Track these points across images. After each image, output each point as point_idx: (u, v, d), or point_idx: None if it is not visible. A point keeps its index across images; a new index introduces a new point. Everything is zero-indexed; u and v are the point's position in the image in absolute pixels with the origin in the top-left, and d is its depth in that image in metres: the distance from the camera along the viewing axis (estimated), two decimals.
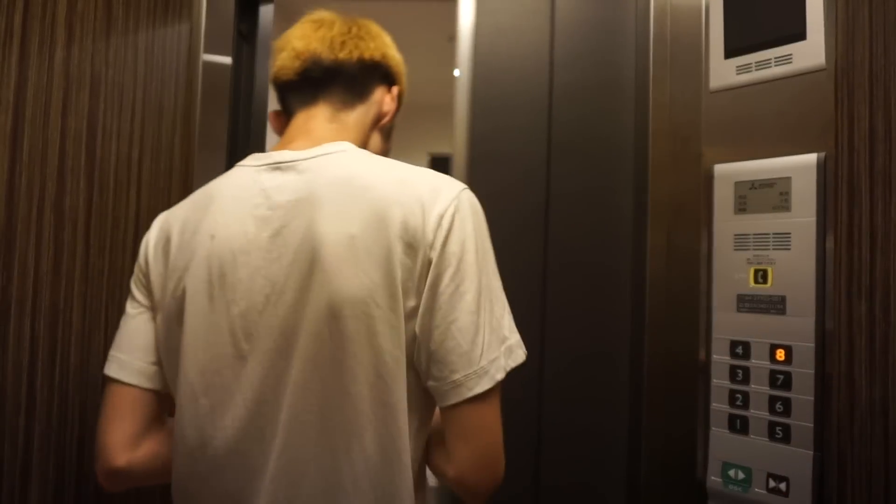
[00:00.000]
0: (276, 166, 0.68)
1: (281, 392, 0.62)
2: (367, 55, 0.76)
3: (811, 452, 0.84)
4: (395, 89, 0.80)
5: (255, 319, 0.63)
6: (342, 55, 0.74)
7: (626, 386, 1.10)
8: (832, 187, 0.85)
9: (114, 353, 0.72)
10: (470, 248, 0.63)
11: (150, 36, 1.02)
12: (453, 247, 0.62)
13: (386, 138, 0.84)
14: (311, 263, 0.61)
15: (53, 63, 0.82)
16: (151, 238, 0.73)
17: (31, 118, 0.79)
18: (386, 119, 0.80)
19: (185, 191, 1.14)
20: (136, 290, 0.74)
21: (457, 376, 0.61)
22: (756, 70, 0.95)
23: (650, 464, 1.03)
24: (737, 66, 0.97)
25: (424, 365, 0.63)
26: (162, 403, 0.73)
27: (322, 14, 0.78)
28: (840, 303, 0.83)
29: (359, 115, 0.76)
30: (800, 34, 0.90)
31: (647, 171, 1.07)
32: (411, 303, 0.62)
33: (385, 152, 0.82)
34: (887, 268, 0.79)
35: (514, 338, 0.66)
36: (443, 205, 0.63)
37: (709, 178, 0.98)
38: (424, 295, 0.62)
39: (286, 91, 0.77)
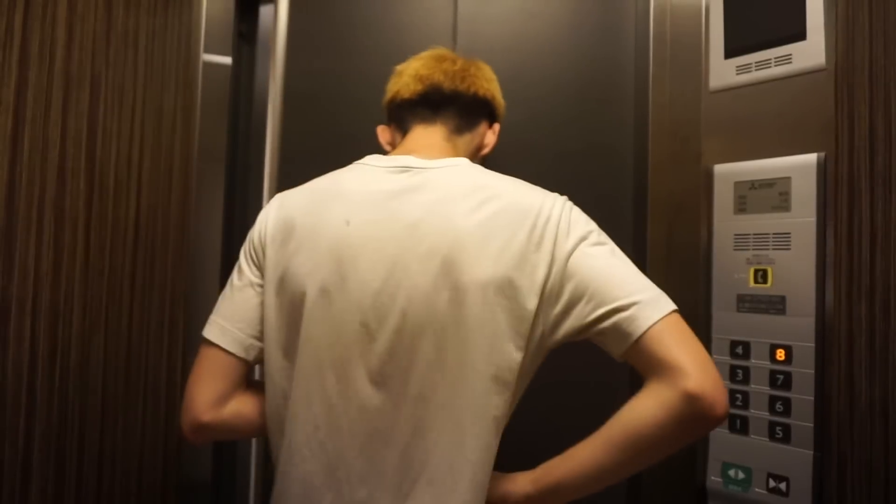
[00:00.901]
0: (405, 169, 0.74)
1: (409, 369, 0.68)
2: (480, 92, 0.86)
3: (811, 452, 0.84)
4: (496, 126, 0.91)
5: (385, 302, 0.69)
6: (461, 87, 0.84)
7: (627, 386, 1.10)
8: (832, 187, 0.85)
9: (216, 318, 0.77)
10: (588, 233, 0.70)
11: (150, 36, 1.02)
12: (574, 235, 0.69)
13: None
14: (446, 256, 0.67)
15: (54, 63, 0.82)
16: (270, 218, 0.77)
17: (31, 119, 0.79)
18: (485, 150, 0.90)
19: (186, 191, 1.14)
20: (246, 264, 0.78)
21: (637, 297, 0.65)
22: (756, 70, 0.95)
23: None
24: (737, 66, 0.97)
25: (592, 317, 0.66)
26: (249, 371, 0.79)
27: (444, 51, 0.89)
28: (840, 303, 0.83)
29: (466, 142, 0.86)
30: (800, 34, 0.90)
31: (646, 170, 1.07)
32: (542, 293, 0.68)
33: None
34: (887, 268, 0.79)
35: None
36: (558, 209, 0.70)
37: (708, 178, 0.98)
38: (560, 275, 0.67)
39: (404, 109, 0.85)
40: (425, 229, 0.69)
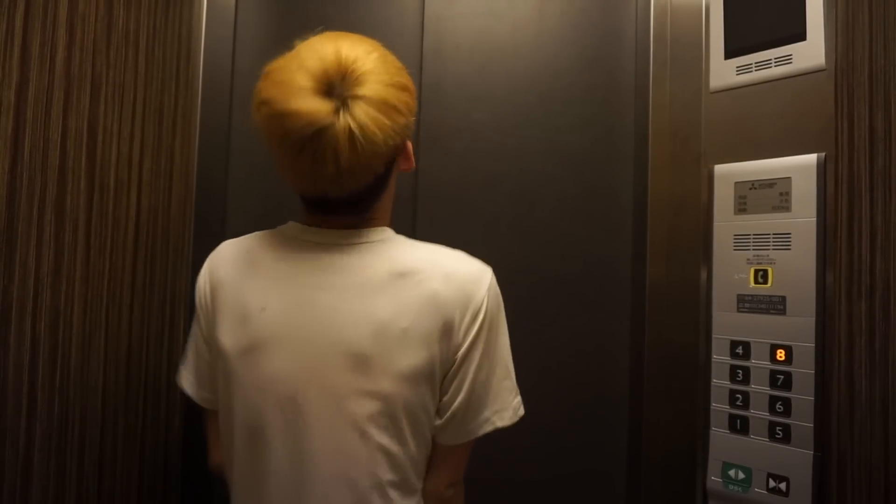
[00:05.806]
0: (320, 244, 0.72)
1: (312, 454, 0.69)
2: (378, 165, 0.67)
3: (811, 452, 0.84)
4: (408, 146, 0.74)
5: (296, 387, 0.69)
6: (345, 190, 0.68)
7: (627, 387, 1.11)
8: (832, 187, 0.85)
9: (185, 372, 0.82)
10: (486, 332, 0.72)
11: (150, 36, 1.02)
12: (473, 333, 0.71)
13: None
14: (359, 350, 0.68)
15: (54, 64, 0.82)
16: (206, 280, 0.77)
17: (32, 119, 0.79)
18: (405, 169, 0.77)
19: (186, 191, 1.14)
20: (197, 320, 0.79)
21: (468, 426, 0.73)
22: (756, 70, 0.95)
23: (650, 464, 1.03)
24: (737, 67, 0.97)
25: (444, 417, 0.73)
26: None
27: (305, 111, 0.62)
28: (840, 303, 0.83)
29: (386, 200, 0.76)
30: (800, 34, 0.90)
31: (647, 171, 1.07)
32: (440, 376, 0.71)
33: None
34: (887, 268, 0.79)
35: (512, 400, 0.75)
36: (478, 300, 0.71)
37: (709, 179, 0.98)
38: (450, 370, 0.71)
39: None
40: (340, 320, 0.68)
